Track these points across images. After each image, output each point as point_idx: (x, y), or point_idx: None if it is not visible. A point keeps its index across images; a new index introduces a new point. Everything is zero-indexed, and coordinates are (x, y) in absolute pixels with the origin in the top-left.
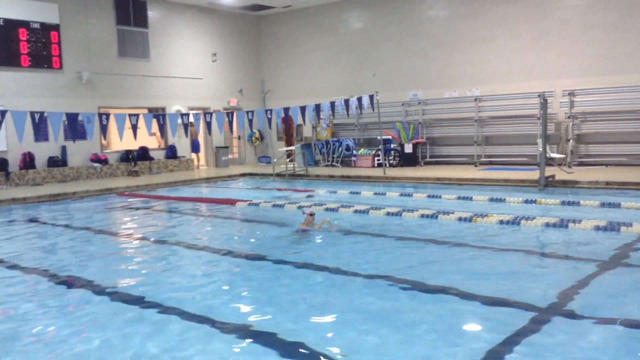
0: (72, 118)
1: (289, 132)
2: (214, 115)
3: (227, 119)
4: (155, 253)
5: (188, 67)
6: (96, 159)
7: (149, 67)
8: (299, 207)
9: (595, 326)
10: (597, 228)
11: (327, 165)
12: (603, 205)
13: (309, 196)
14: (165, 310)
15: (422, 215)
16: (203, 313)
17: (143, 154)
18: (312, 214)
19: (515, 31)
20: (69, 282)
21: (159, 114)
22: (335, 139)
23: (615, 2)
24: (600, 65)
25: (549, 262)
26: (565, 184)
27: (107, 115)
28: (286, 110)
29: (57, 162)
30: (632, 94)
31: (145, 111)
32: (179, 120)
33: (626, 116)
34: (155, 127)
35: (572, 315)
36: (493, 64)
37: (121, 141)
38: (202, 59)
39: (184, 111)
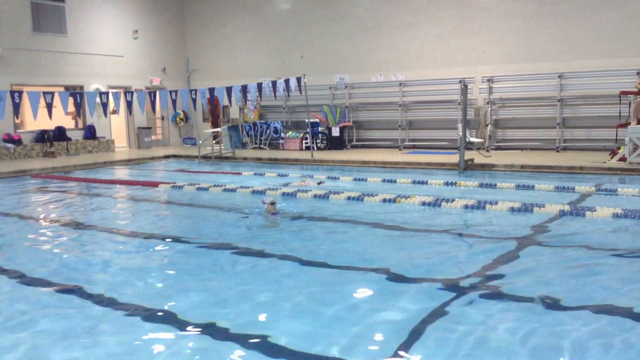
0: None
1: (215, 113)
2: (135, 95)
3: (149, 99)
4: (72, 237)
5: (108, 44)
6: (9, 139)
7: (66, 43)
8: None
9: (510, 303)
10: (512, 209)
11: (254, 148)
12: (518, 187)
13: (319, 183)
14: (83, 294)
15: (349, 198)
16: (113, 296)
17: (60, 134)
18: (272, 203)
19: (437, 18)
20: None
21: (76, 93)
22: (263, 121)
23: None
24: (517, 52)
25: (468, 241)
26: (483, 167)
27: (20, 93)
28: (211, 90)
29: None
30: (547, 80)
31: (62, 89)
32: (98, 99)
33: (541, 102)
34: (71, 106)
35: (488, 292)
36: (417, 49)
37: (35, 120)
38: (122, 35)
39: (103, 90)
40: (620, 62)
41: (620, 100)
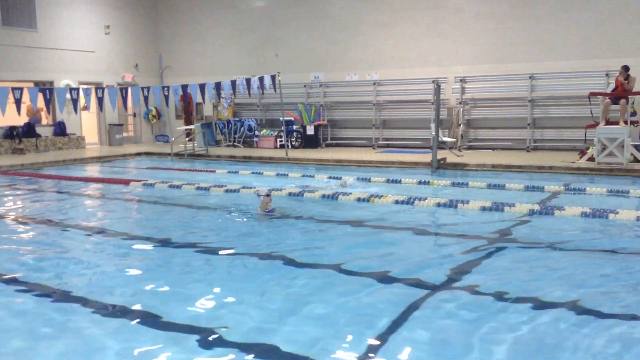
0: None
1: (188, 110)
2: (106, 91)
3: (120, 95)
4: (41, 236)
5: (79, 39)
6: None
7: (36, 37)
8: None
9: (479, 300)
10: (484, 208)
11: (228, 146)
12: (489, 186)
13: (341, 185)
14: (56, 294)
15: (323, 196)
16: (89, 296)
17: (29, 130)
18: (268, 195)
19: (412, 18)
20: None
21: (45, 88)
22: (237, 119)
23: None
24: (489, 53)
25: (440, 239)
26: (455, 166)
27: None
28: (184, 87)
29: None
30: (518, 81)
31: (31, 85)
32: (68, 95)
33: (511, 103)
34: (41, 101)
35: (458, 290)
36: (392, 49)
37: (3, 116)
38: (94, 31)
39: (73, 86)
40: (589, 63)
41: (590, 101)
